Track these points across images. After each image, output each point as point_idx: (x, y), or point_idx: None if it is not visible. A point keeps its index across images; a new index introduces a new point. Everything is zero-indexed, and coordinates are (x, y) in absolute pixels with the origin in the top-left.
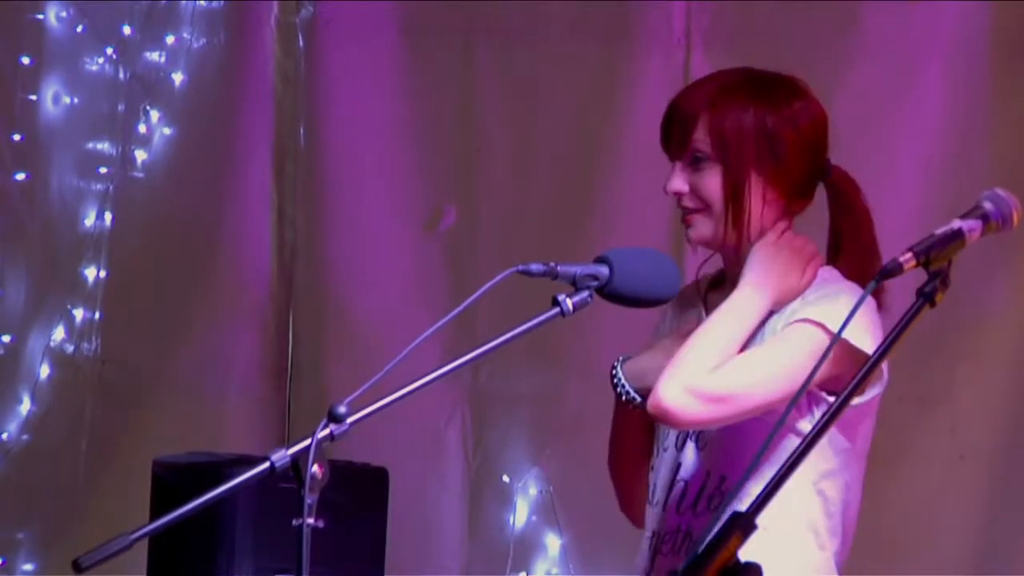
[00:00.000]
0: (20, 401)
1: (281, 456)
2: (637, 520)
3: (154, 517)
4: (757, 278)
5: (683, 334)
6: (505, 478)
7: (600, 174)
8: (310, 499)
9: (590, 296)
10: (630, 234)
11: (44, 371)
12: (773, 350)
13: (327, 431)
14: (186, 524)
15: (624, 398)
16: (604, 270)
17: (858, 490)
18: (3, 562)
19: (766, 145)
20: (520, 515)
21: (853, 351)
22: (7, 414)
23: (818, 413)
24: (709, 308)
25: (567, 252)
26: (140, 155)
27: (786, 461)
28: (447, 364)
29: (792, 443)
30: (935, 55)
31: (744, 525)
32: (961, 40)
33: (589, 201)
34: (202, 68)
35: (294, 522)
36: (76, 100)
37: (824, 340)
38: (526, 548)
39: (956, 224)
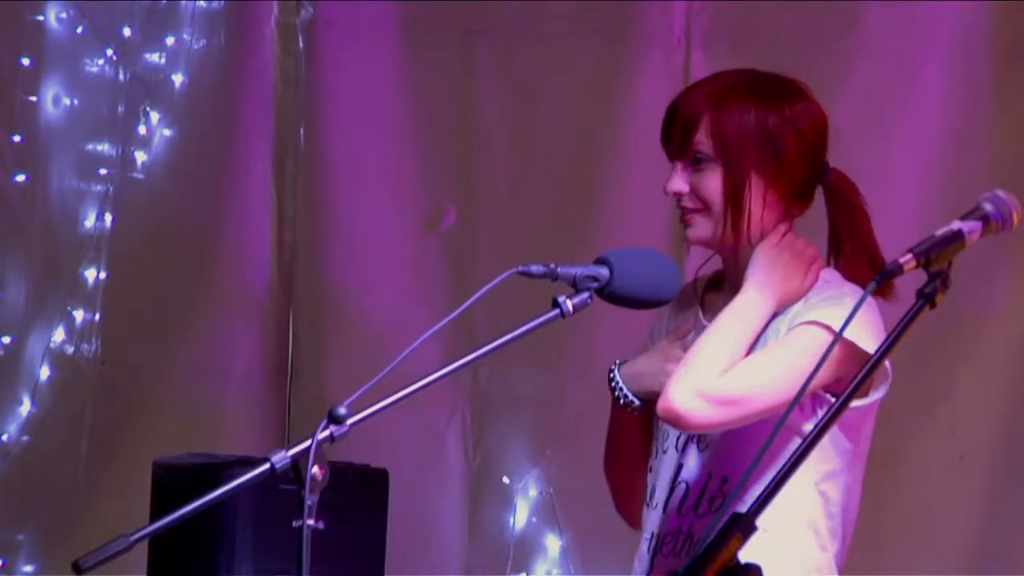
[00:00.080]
0: (20, 402)
1: (281, 457)
2: (633, 521)
3: (154, 518)
4: (760, 281)
5: (680, 336)
6: (505, 479)
7: (600, 174)
8: (310, 500)
9: (590, 297)
10: (630, 234)
11: (44, 372)
12: (781, 353)
13: (327, 432)
14: (186, 525)
15: (622, 401)
16: (604, 271)
17: (858, 491)
18: (3, 563)
19: (767, 147)
20: (520, 516)
21: (857, 353)
22: (7, 415)
23: (822, 415)
24: (706, 308)
25: (567, 252)
26: (140, 156)
27: (786, 462)
28: (447, 365)
29: (796, 445)
30: (935, 55)
31: (744, 526)
32: (961, 40)
33: (589, 201)
34: (202, 69)
35: (294, 523)
36: (76, 101)
37: (829, 339)
38: (526, 549)
39: (956, 225)
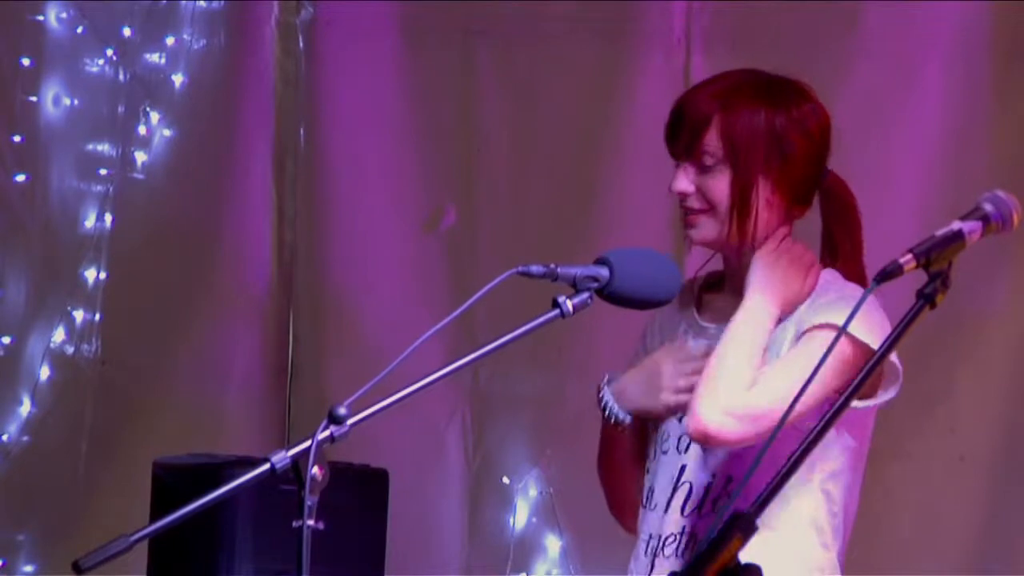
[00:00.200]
0: (20, 402)
1: (281, 457)
2: (628, 524)
3: (154, 518)
4: (763, 286)
5: (672, 350)
6: (505, 479)
7: (600, 174)
8: (310, 500)
9: (590, 297)
10: (630, 234)
11: (44, 372)
12: (800, 362)
13: (327, 433)
14: (186, 525)
15: (612, 421)
16: (604, 271)
17: (857, 491)
18: (3, 563)
19: (775, 148)
20: (520, 516)
21: (869, 354)
22: (7, 415)
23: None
24: (703, 309)
25: (567, 252)
26: (140, 156)
27: (787, 461)
28: (447, 365)
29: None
30: (935, 55)
31: (744, 526)
32: (961, 40)
33: (589, 201)
34: (202, 69)
35: (294, 523)
36: (76, 101)
37: (845, 344)
38: (526, 549)
39: (956, 225)
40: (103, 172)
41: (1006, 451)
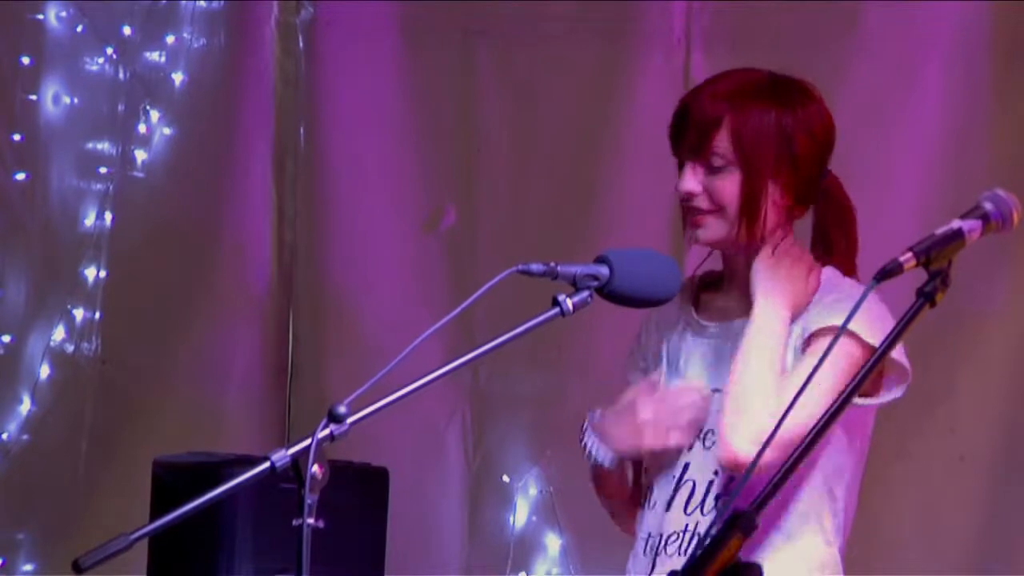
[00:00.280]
0: (20, 401)
1: (281, 456)
2: (630, 530)
3: (154, 517)
4: (768, 291)
5: (649, 387)
6: (505, 478)
7: (600, 174)
8: (310, 499)
9: (590, 296)
10: (630, 234)
11: (44, 371)
12: (821, 373)
13: (327, 431)
14: (186, 524)
15: (595, 463)
16: (604, 270)
17: (857, 490)
18: (3, 562)
19: (785, 151)
20: (520, 515)
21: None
22: (7, 414)
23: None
24: (701, 308)
25: (567, 252)
26: (140, 155)
27: (788, 460)
28: (447, 364)
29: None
30: (935, 55)
31: (745, 525)
32: (961, 40)
33: (589, 201)
34: (202, 68)
35: (294, 522)
36: (76, 100)
37: (854, 347)
38: (526, 548)
39: (956, 224)
40: (103, 171)
41: (1006, 451)
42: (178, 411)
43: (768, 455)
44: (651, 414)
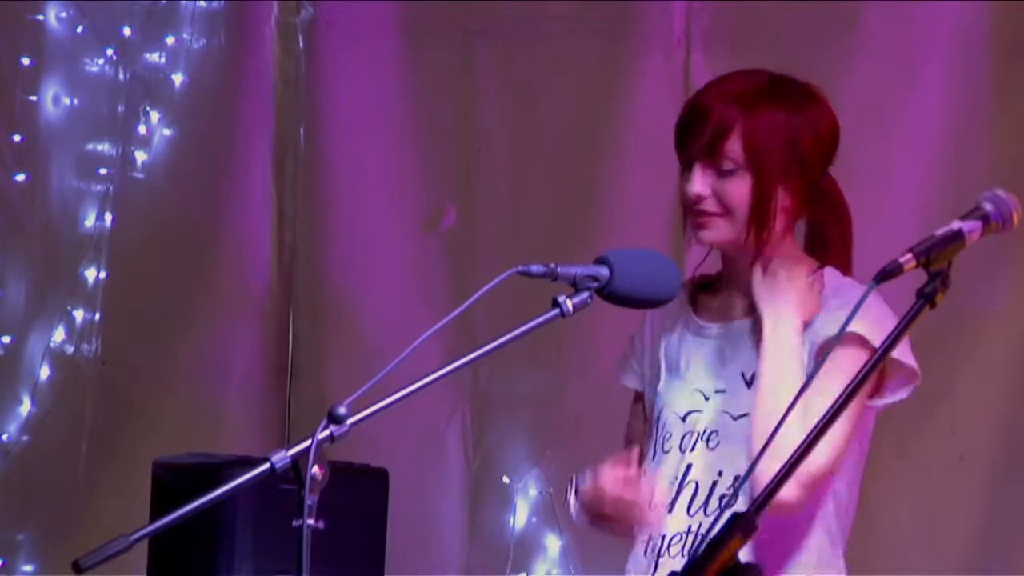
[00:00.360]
0: (20, 402)
1: (281, 457)
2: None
3: (154, 517)
4: (773, 308)
5: (620, 462)
6: (505, 479)
7: (600, 174)
8: (310, 500)
9: (590, 297)
10: (630, 234)
11: (44, 372)
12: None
13: (327, 432)
14: (186, 525)
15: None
16: (604, 271)
17: (857, 489)
18: (3, 563)
19: (794, 156)
20: (520, 516)
21: (887, 360)
22: (7, 415)
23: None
24: (699, 309)
25: (567, 252)
26: (140, 156)
27: (787, 461)
28: (447, 365)
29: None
30: (935, 55)
31: (745, 526)
32: (961, 40)
33: (589, 201)
34: (202, 68)
35: (294, 523)
36: (76, 101)
37: (864, 354)
38: (526, 549)
39: (956, 225)
40: (103, 172)
41: (1006, 451)
42: (178, 411)
43: (807, 496)
44: (612, 509)
